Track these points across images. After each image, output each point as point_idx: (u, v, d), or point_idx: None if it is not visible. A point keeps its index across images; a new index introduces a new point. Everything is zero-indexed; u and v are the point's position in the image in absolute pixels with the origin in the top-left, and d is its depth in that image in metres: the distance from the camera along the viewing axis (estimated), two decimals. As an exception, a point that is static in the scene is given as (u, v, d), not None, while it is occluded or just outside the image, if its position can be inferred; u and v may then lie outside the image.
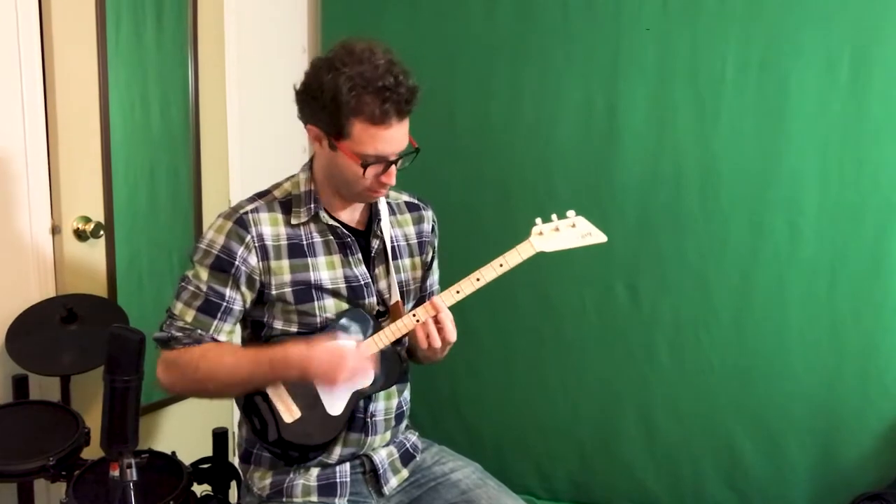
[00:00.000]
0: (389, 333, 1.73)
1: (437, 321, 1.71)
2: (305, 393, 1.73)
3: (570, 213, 1.76)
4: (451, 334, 1.72)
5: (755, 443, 2.63)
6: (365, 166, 1.64)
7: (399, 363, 1.82)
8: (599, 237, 1.77)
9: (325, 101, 1.60)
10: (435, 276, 2.00)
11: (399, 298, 1.81)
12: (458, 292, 1.72)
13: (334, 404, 1.74)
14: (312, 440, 1.76)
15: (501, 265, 1.73)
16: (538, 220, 1.74)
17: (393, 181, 1.69)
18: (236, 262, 1.70)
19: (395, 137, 1.64)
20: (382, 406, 1.83)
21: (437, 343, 1.71)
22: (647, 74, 2.57)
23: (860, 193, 2.40)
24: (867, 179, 2.39)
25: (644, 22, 2.55)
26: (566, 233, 1.76)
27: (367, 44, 1.63)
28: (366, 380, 1.72)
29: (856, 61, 2.36)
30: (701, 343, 2.64)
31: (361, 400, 1.77)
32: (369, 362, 1.68)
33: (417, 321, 1.72)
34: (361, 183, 1.68)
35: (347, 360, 1.62)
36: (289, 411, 1.73)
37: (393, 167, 1.68)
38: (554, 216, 1.75)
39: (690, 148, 2.55)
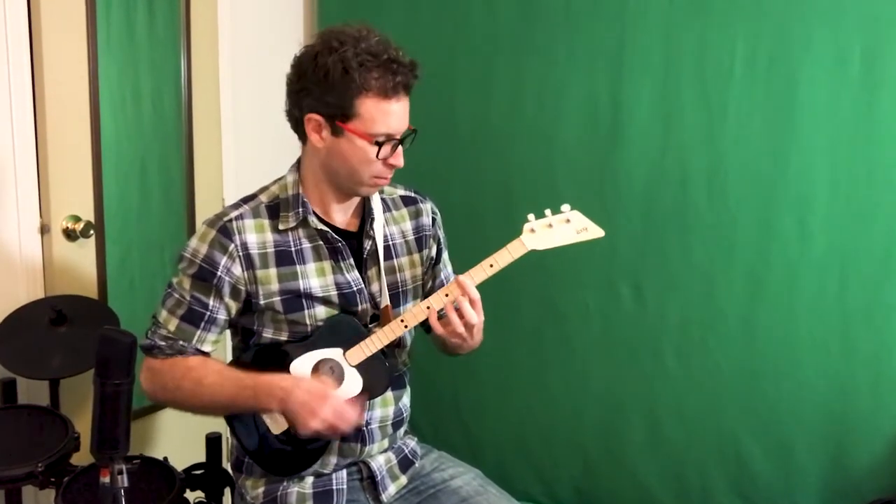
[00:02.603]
0: (377, 340, 1.68)
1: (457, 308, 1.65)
2: None
3: (565, 207, 1.67)
4: (472, 317, 1.64)
5: (763, 448, 2.58)
6: (378, 145, 1.61)
7: (386, 372, 1.75)
8: (596, 232, 1.68)
9: (332, 81, 1.57)
10: (448, 269, 1.96)
11: (388, 303, 1.76)
12: (446, 295, 1.66)
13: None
14: (301, 452, 1.71)
15: (492, 265, 1.66)
16: (530, 217, 1.67)
17: (401, 162, 1.67)
18: (219, 273, 1.66)
19: (402, 113, 1.63)
20: (378, 414, 1.79)
21: (461, 329, 1.65)
22: (652, 70, 2.53)
23: (871, 191, 2.35)
24: (878, 177, 2.34)
25: (650, 15, 2.51)
26: (560, 229, 1.67)
27: (356, 26, 1.62)
28: (345, 429, 1.64)
29: (867, 57, 2.31)
30: (707, 345, 2.59)
31: None
32: (352, 414, 1.61)
33: (428, 308, 1.67)
34: (369, 168, 1.64)
35: (326, 405, 1.58)
36: (276, 422, 1.69)
37: (400, 147, 1.66)
38: (547, 211, 1.68)
39: (697, 145, 2.51)
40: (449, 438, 2.90)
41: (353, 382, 1.69)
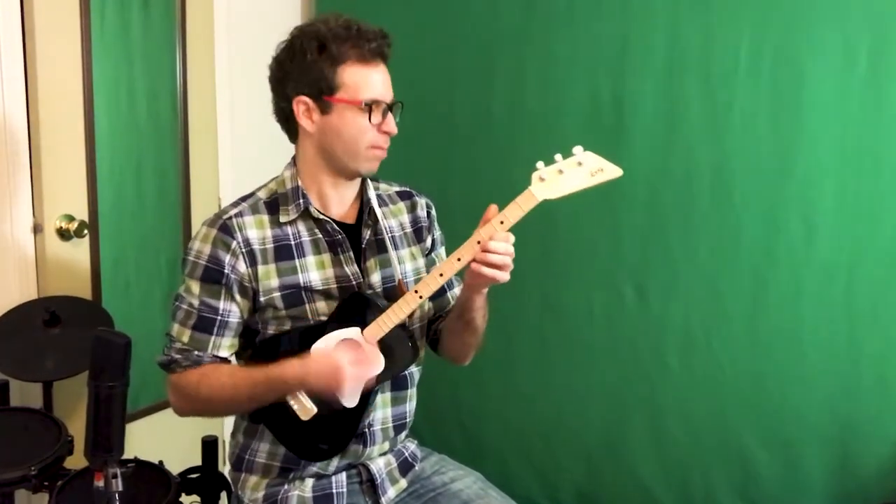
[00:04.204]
0: (392, 315, 1.63)
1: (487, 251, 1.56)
2: None
3: (577, 149, 1.58)
4: (508, 250, 1.57)
5: (768, 451, 2.56)
6: (368, 110, 1.64)
7: (409, 346, 1.73)
8: (613, 171, 1.59)
9: (312, 59, 1.63)
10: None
11: (401, 277, 1.75)
12: (458, 259, 1.59)
13: (349, 397, 1.65)
14: (331, 435, 1.69)
15: (502, 222, 1.56)
16: (539, 164, 1.57)
17: (394, 129, 1.69)
18: (226, 271, 1.66)
19: (384, 80, 1.68)
20: (380, 415, 1.77)
21: (504, 270, 1.57)
22: (656, 65, 2.50)
23: (878, 190, 2.32)
24: (886, 175, 2.32)
25: (654, 10, 2.49)
26: (572, 173, 1.57)
27: (322, 15, 1.69)
28: (375, 368, 1.63)
29: (874, 53, 2.28)
30: (712, 346, 2.57)
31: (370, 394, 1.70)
32: (373, 352, 1.61)
33: (441, 275, 1.60)
34: (364, 136, 1.66)
35: (344, 369, 1.57)
36: (304, 409, 1.65)
37: (390, 115, 1.68)
38: (558, 156, 1.57)
39: (701, 143, 2.49)
40: (449, 441, 2.88)
41: (376, 360, 1.66)
